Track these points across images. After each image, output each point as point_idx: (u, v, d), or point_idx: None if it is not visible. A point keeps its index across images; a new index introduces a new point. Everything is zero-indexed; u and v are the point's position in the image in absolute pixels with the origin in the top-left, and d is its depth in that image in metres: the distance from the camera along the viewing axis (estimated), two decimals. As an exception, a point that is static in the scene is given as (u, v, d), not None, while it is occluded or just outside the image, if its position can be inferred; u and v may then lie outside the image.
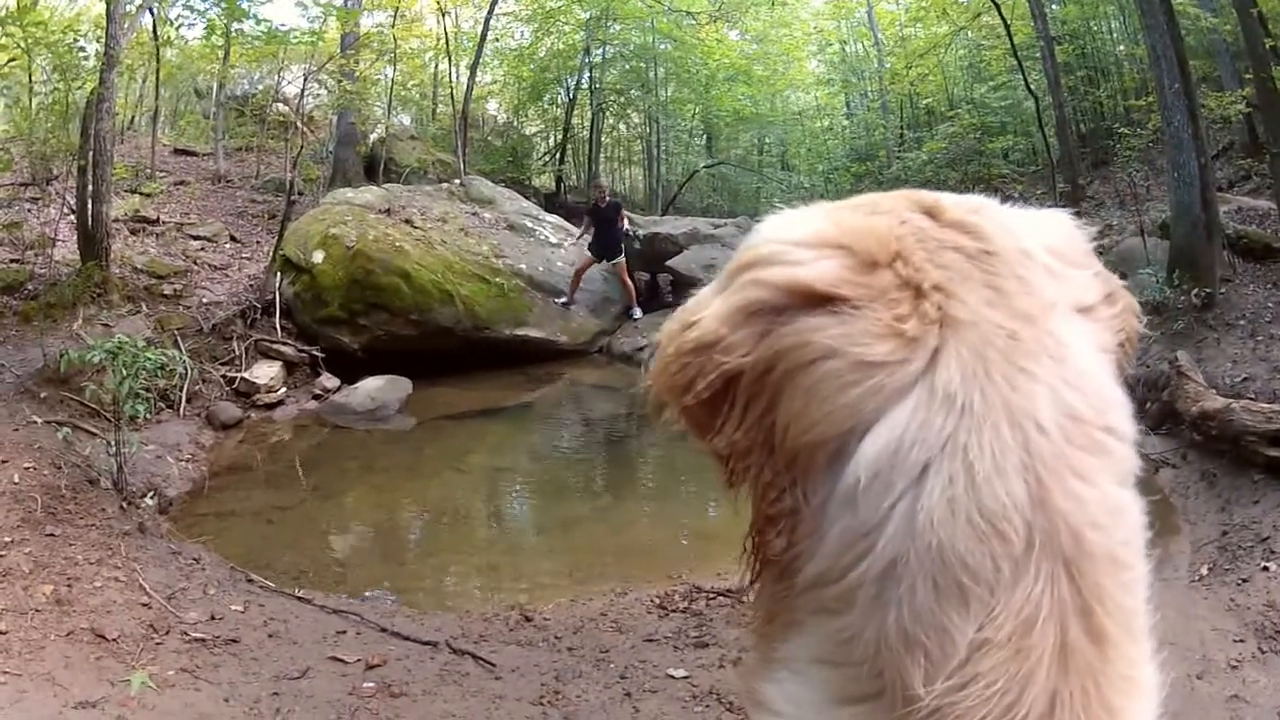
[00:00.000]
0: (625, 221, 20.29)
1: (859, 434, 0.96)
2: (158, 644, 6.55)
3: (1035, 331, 0.97)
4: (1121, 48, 30.81)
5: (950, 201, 1.11)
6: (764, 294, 1.03)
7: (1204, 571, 7.95)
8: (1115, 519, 0.97)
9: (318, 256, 16.94)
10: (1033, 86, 26.35)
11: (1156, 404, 11.81)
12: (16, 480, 8.80)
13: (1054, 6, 30.13)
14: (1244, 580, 7.39)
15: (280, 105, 30.08)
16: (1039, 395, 0.94)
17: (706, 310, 1.09)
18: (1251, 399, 10.51)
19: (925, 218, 1.07)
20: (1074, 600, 0.92)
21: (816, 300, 1.00)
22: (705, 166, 40.61)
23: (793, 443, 1.01)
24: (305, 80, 26.30)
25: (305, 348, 16.05)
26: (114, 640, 6.43)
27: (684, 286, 19.81)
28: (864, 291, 0.99)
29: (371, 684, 6.23)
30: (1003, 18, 26.51)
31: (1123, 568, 0.97)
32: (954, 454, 0.92)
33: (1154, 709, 0.98)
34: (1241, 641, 6.38)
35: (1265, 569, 7.51)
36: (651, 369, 1.15)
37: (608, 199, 20.36)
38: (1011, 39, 26.53)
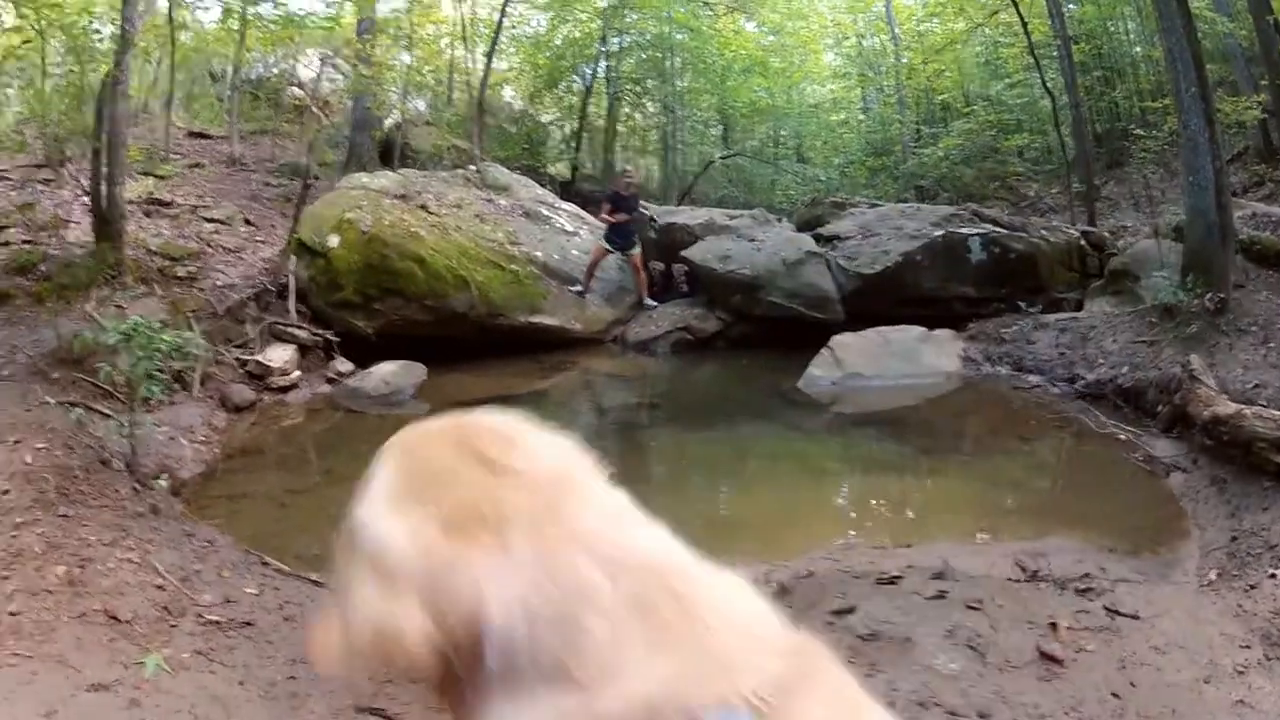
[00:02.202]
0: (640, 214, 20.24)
1: (481, 614, 1.34)
2: (172, 626, 6.49)
3: (557, 504, 1.41)
4: (1138, 49, 30.92)
5: (491, 440, 1.51)
6: (431, 602, 1.40)
7: (1212, 577, 7.88)
8: (658, 544, 1.43)
9: (333, 241, 16.92)
10: (1049, 85, 26.32)
11: (1168, 407, 11.83)
12: (29, 461, 8.73)
13: (1071, 6, 30.18)
14: (1252, 586, 7.33)
15: (295, 89, 30.07)
16: (576, 523, 1.39)
17: (404, 626, 1.42)
18: (1263, 406, 10.43)
19: (486, 473, 1.45)
20: (655, 582, 1.34)
21: (433, 576, 1.37)
22: (721, 157, 40.32)
23: (463, 639, 1.37)
24: (321, 65, 26.31)
25: (319, 331, 16.05)
26: (127, 622, 6.36)
27: (699, 277, 19.99)
28: (450, 549, 1.37)
29: (388, 668, 6.15)
30: (1020, 15, 26.55)
31: (680, 565, 1.42)
32: (540, 579, 1.33)
33: (751, 601, 1.43)
34: (1248, 647, 6.32)
35: (1273, 576, 7.43)
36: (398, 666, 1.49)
37: (633, 189, 20.33)
38: (1029, 37, 26.55)
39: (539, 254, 19.28)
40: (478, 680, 1.37)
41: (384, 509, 1.47)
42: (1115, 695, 5.70)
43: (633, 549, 1.38)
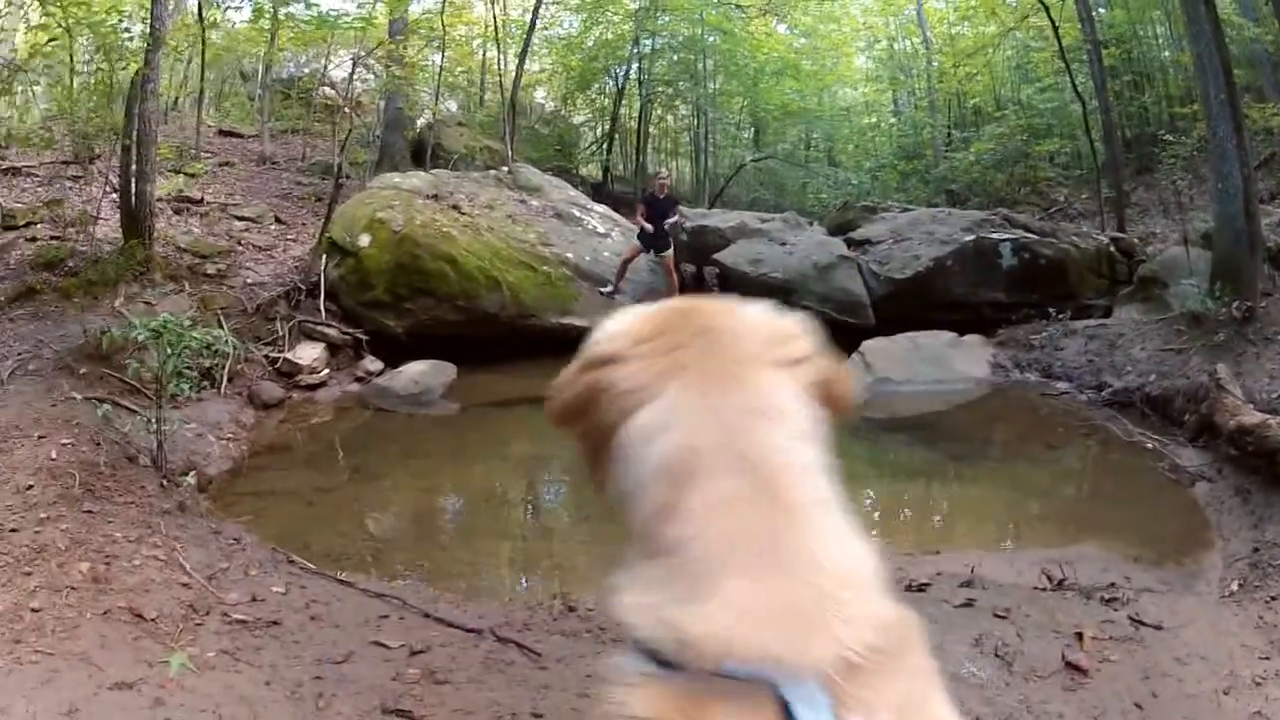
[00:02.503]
0: (677, 216, 20.16)
1: (628, 421, 1.53)
2: (198, 625, 6.49)
3: (731, 371, 1.54)
4: (1167, 54, 30.86)
5: (707, 305, 1.73)
6: (587, 359, 1.67)
7: (1235, 587, 7.88)
8: (784, 450, 1.45)
9: (364, 240, 16.97)
10: (1080, 89, 26.34)
11: (1195, 416, 11.79)
12: (54, 456, 8.79)
13: (1101, 10, 30.12)
14: (1273, 598, 7.29)
15: (327, 89, 30.20)
16: (728, 398, 1.48)
17: (565, 371, 1.73)
18: (1288, 416, 10.40)
19: (683, 316, 1.66)
20: (760, 486, 1.39)
21: (611, 360, 1.60)
22: (753, 160, 40.46)
23: (600, 427, 1.60)
24: (354, 65, 26.41)
25: (349, 330, 16.08)
26: (152, 620, 6.37)
27: (730, 280, 19.83)
28: (634, 353, 1.59)
29: (415, 670, 6.17)
30: (1051, 20, 26.49)
31: (797, 474, 1.44)
32: (675, 425, 1.46)
33: (851, 557, 1.40)
34: (1267, 659, 6.31)
35: (1293, 588, 7.47)
36: (546, 408, 1.77)
37: (666, 192, 20.20)
38: (1060, 41, 26.53)
39: (570, 255, 19.28)
40: (609, 469, 1.61)
41: (612, 319, 1.74)
42: (1138, 706, 5.71)
43: (760, 452, 1.44)
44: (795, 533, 1.35)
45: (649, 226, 19.11)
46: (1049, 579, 7.74)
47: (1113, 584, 7.56)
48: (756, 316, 1.71)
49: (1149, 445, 11.99)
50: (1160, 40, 31.92)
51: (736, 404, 1.48)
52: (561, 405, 1.70)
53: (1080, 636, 6.49)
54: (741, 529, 1.34)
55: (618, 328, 1.68)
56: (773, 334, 1.66)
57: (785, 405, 1.53)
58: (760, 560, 1.31)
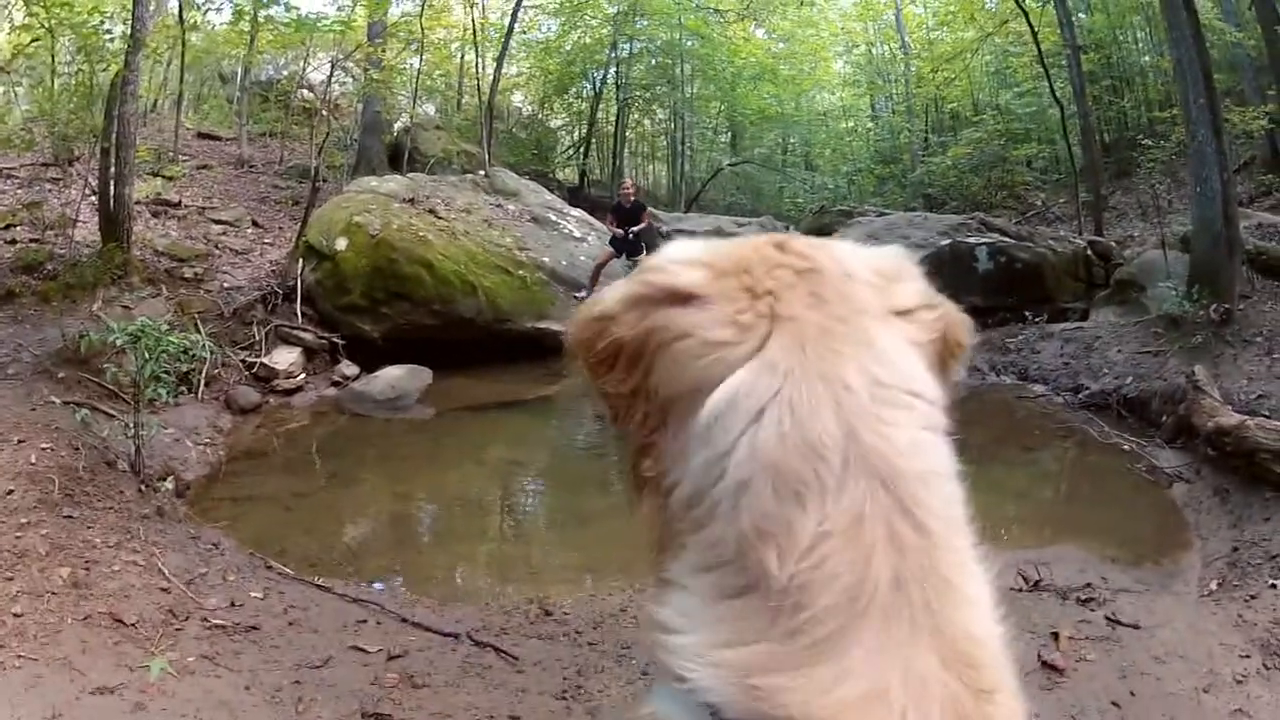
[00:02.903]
0: (649, 220, 20.29)
1: (708, 390, 1.21)
2: (177, 630, 6.50)
3: (845, 327, 1.24)
4: (1147, 58, 30.97)
5: (797, 238, 1.41)
6: (646, 290, 1.33)
7: (1213, 587, 7.93)
8: (919, 450, 1.19)
9: (341, 244, 16.98)
10: (1058, 94, 26.44)
11: (1173, 417, 11.86)
12: (34, 461, 8.76)
13: (1081, 15, 30.19)
14: (1252, 597, 7.35)
15: (305, 92, 30.14)
16: (846, 367, 1.19)
17: (610, 295, 1.41)
18: (1266, 416, 10.52)
19: (774, 249, 1.35)
20: (892, 503, 1.13)
21: (682, 298, 1.28)
22: (729, 165, 40.87)
23: (662, 395, 1.30)
24: (332, 68, 26.37)
25: (326, 335, 16.05)
26: (133, 625, 6.38)
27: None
28: (715, 291, 1.27)
29: (394, 674, 6.19)
30: (1030, 25, 26.62)
31: (932, 484, 1.18)
32: (781, 402, 1.16)
33: (987, 589, 1.22)
34: (1247, 657, 6.35)
35: (1273, 586, 7.47)
36: (570, 330, 1.46)
37: (633, 199, 20.34)
38: (1039, 46, 26.63)
39: (547, 259, 19.32)
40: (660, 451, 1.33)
41: (679, 244, 1.43)
42: (1115, 704, 5.75)
43: (891, 452, 1.15)
44: (931, 578, 1.11)
45: (620, 233, 19.35)
46: (1025, 580, 7.78)
47: (1089, 584, 7.64)
48: (858, 251, 1.40)
49: (1126, 447, 12.08)
50: (1140, 45, 32.10)
51: (860, 378, 1.18)
52: (606, 347, 1.35)
53: (1056, 636, 6.56)
54: (870, 569, 1.09)
55: (692, 254, 1.34)
56: (882, 273, 1.35)
57: (914, 381, 1.25)
58: (890, 616, 1.07)
